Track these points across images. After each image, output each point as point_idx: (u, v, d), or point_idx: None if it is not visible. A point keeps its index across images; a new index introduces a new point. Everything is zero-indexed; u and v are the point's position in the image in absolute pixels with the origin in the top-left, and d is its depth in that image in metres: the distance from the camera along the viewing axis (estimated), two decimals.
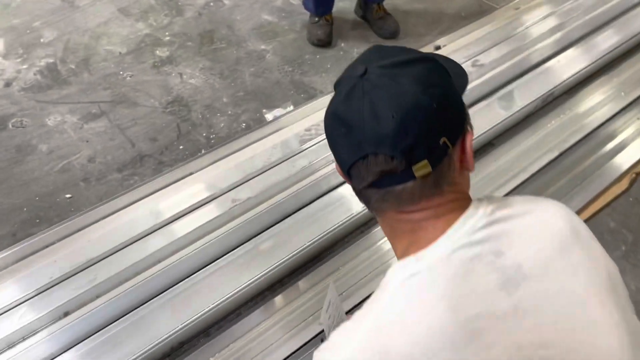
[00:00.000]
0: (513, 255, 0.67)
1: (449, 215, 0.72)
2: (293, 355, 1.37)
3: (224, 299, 1.45)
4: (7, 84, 2.22)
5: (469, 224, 0.70)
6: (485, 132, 1.90)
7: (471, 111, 0.86)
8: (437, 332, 0.64)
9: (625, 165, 1.92)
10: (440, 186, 0.71)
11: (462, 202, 0.73)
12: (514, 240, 0.69)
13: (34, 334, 1.36)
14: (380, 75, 0.70)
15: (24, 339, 1.35)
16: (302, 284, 1.52)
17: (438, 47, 2.35)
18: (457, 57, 2.25)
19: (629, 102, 2.17)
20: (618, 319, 0.65)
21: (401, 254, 0.74)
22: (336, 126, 0.73)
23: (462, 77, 0.80)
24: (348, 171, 0.73)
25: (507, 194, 1.77)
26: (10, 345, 1.34)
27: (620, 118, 2.10)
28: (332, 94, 2.29)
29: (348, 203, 1.68)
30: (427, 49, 2.34)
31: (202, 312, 1.42)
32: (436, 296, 0.66)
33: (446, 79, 0.74)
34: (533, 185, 1.81)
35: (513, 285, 0.66)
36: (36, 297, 1.42)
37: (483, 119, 1.94)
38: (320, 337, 1.35)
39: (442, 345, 0.63)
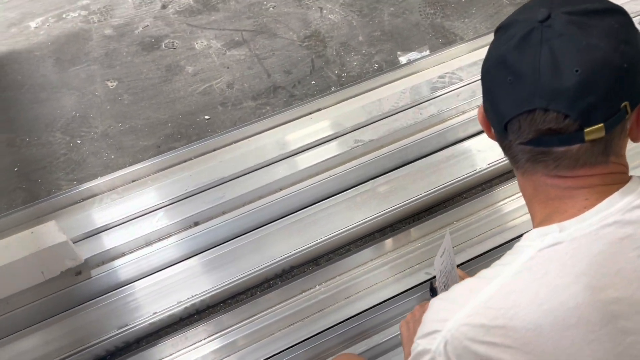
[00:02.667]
0: None
1: (605, 188, 0.65)
2: (395, 298, 1.40)
3: (336, 233, 1.51)
4: (164, 6, 2.39)
5: (625, 200, 0.63)
6: None
7: None
8: (571, 308, 0.60)
9: None
10: (608, 155, 0.64)
11: (622, 177, 0.66)
12: None
13: (167, 237, 1.53)
14: (566, 22, 0.61)
15: (159, 239, 1.53)
16: (413, 231, 1.53)
17: None
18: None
19: None
20: None
21: (540, 222, 0.69)
22: (501, 73, 0.65)
23: None
24: (505, 124, 0.66)
25: None
26: (148, 243, 1.52)
27: None
28: (474, 40, 2.13)
29: (472, 158, 1.63)
30: None
31: (315, 242, 1.50)
32: (577, 271, 0.61)
33: (637, 36, 0.64)
34: None
35: None
36: (171, 205, 1.58)
37: None
38: (430, 282, 1.36)
39: (576, 322, 0.60)
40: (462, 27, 2.22)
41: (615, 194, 0.64)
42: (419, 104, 1.77)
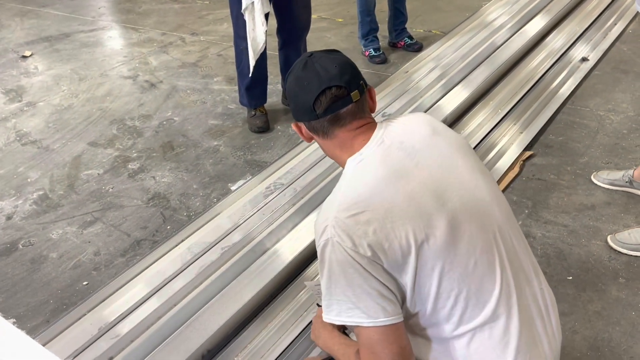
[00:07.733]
0: (408, 142, 1.17)
1: (368, 133, 1.18)
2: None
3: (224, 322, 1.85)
4: (9, 218, 2.60)
5: (379, 135, 1.18)
6: None
7: None
8: (378, 178, 1.11)
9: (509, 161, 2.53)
10: (364, 111, 1.19)
11: (374, 124, 1.21)
12: (407, 136, 1.18)
13: None
14: (321, 54, 1.20)
15: None
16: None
17: None
18: None
19: (503, 115, 2.83)
20: (472, 163, 1.20)
21: (348, 156, 1.18)
22: (300, 82, 1.17)
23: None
24: (312, 105, 1.15)
25: None
26: None
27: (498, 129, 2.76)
28: (279, 161, 2.77)
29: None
30: None
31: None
32: (375, 165, 1.13)
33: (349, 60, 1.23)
34: None
35: (413, 154, 1.15)
36: (85, 351, 1.74)
37: None
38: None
39: (383, 183, 1.10)
40: (268, 156, 2.85)
41: (375, 132, 1.19)
42: (260, 208, 2.27)
